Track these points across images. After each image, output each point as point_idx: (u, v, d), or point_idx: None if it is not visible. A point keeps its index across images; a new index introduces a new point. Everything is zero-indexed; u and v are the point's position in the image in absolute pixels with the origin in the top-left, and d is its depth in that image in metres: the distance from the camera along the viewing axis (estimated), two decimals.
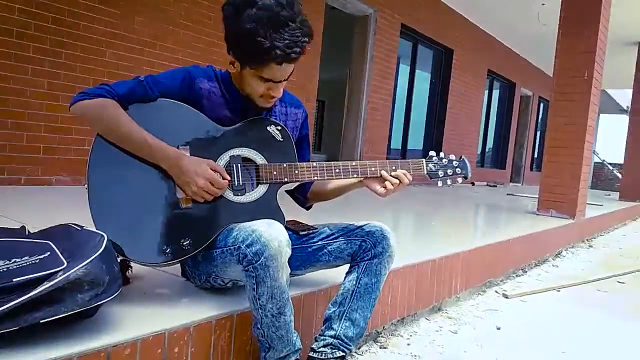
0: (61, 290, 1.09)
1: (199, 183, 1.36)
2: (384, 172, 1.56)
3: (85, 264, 1.13)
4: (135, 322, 1.24)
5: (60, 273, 1.11)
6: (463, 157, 1.68)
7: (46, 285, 1.07)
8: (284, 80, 1.43)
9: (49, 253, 1.23)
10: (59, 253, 1.22)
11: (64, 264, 1.15)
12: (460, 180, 1.66)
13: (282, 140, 1.53)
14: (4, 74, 3.56)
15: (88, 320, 1.20)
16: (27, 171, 3.76)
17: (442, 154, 1.65)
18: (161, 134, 1.38)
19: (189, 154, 1.41)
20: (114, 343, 1.13)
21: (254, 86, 1.43)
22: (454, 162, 1.64)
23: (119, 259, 1.29)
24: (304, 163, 1.54)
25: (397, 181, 1.55)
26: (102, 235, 1.25)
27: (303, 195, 1.74)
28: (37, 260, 1.18)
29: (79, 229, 1.36)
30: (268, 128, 1.52)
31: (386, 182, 1.55)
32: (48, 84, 3.80)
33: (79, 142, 3.99)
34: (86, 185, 1.34)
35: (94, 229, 1.30)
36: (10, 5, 3.53)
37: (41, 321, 1.06)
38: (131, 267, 1.58)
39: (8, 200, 3.11)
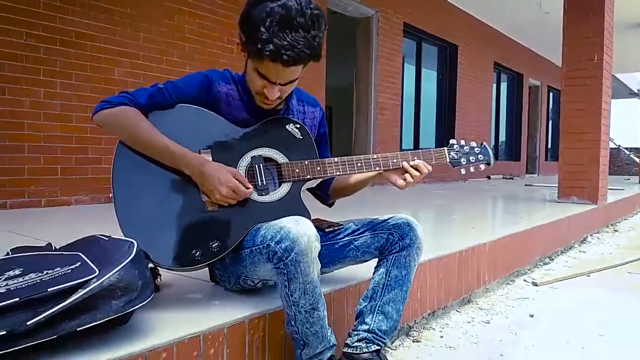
0: (95, 298, 1.09)
1: (223, 192, 1.35)
2: (405, 163, 1.54)
3: (118, 270, 1.13)
4: (169, 326, 1.23)
5: (93, 280, 1.10)
6: (484, 143, 1.65)
7: (80, 293, 1.07)
8: (280, 84, 1.39)
9: (79, 263, 1.23)
10: (89, 262, 1.22)
11: (95, 272, 1.15)
12: (483, 167, 1.62)
13: (301, 137, 1.52)
14: (17, 98, 3.61)
15: (122, 327, 1.19)
16: (47, 193, 3.80)
17: (462, 142, 1.62)
18: (182, 139, 1.38)
19: (210, 158, 1.41)
20: (150, 348, 1.12)
21: (252, 79, 1.41)
22: (476, 149, 1.61)
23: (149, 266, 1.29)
24: (325, 159, 1.52)
25: (418, 173, 1.53)
26: (132, 242, 1.24)
27: (324, 192, 1.73)
28: (70, 271, 1.18)
29: (107, 238, 1.36)
30: (287, 127, 1.52)
31: (406, 174, 1.53)
32: (60, 106, 3.84)
33: (95, 161, 4.03)
34: (111, 194, 1.34)
35: (121, 237, 1.30)
36: (18, 30, 3.59)
37: (77, 329, 1.06)
38: (160, 275, 1.58)
39: (31, 221, 3.14)
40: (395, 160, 1.55)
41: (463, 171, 1.61)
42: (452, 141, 1.62)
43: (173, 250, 1.35)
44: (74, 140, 3.92)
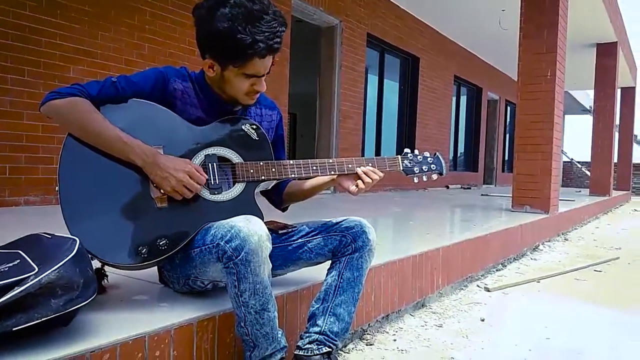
0: (33, 296, 1.04)
1: (179, 176, 1.32)
2: (359, 170, 1.55)
3: (57, 268, 1.09)
4: (113, 327, 1.20)
5: (31, 278, 1.06)
6: (437, 153, 1.69)
7: (17, 290, 1.03)
8: (267, 73, 1.42)
9: (18, 261, 1.18)
10: (29, 260, 1.17)
11: (34, 269, 1.10)
12: (435, 176, 1.66)
13: (257, 139, 1.51)
14: None
15: (64, 328, 1.15)
16: None
17: (416, 151, 1.66)
18: (135, 134, 1.35)
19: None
20: (92, 349, 1.08)
21: (239, 84, 1.42)
22: (429, 159, 1.65)
23: (94, 268, 1.25)
24: (281, 161, 1.52)
25: (369, 179, 1.54)
26: (74, 239, 1.20)
27: (278, 196, 1.72)
28: (7, 269, 1.13)
29: (49, 236, 1.31)
30: (243, 127, 1.50)
31: (358, 181, 1.55)
32: (11, 103, 3.69)
33: (46, 161, 3.88)
34: (57, 187, 1.30)
35: (65, 235, 1.26)
36: None
37: (14, 329, 1.01)
38: (106, 276, 1.53)
39: None
40: (350, 166, 1.57)
41: (416, 179, 1.65)
42: (406, 150, 1.66)
43: (119, 247, 1.31)
44: (24, 138, 3.77)
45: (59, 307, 1.07)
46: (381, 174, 1.57)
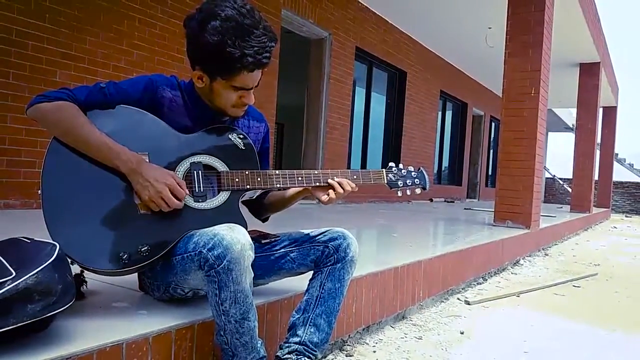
0: (9, 301, 1.03)
1: (158, 187, 1.32)
2: (332, 180, 1.56)
3: (36, 273, 1.08)
4: (91, 334, 1.18)
5: (8, 282, 1.05)
6: (421, 168, 1.73)
7: None
8: (255, 86, 1.44)
9: None
10: (6, 264, 1.16)
11: (12, 273, 1.09)
12: (418, 190, 1.69)
13: (244, 148, 1.52)
14: None
15: (42, 333, 1.14)
16: None
17: (400, 165, 1.69)
18: (121, 141, 1.35)
19: (148, 161, 1.38)
20: (68, 355, 1.07)
21: (226, 97, 1.43)
22: (413, 173, 1.69)
23: (73, 274, 1.24)
24: (267, 171, 1.53)
25: (342, 190, 1.56)
26: (54, 244, 1.20)
27: (259, 205, 1.72)
28: None
29: (29, 241, 1.30)
30: (230, 136, 1.51)
31: (330, 190, 1.56)
32: None
33: (29, 164, 3.84)
34: (39, 190, 1.29)
35: (45, 240, 1.25)
36: None
37: None
38: (86, 282, 1.52)
39: None
40: (336, 178, 1.58)
41: (400, 193, 1.68)
42: (390, 164, 1.70)
43: (100, 251, 1.30)
44: (7, 141, 3.73)
45: (35, 312, 1.06)
46: (354, 186, 1.59)
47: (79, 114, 1.33)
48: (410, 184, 1.67)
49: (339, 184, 1.55)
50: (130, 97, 1.41)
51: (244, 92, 1.43)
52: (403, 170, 1.68)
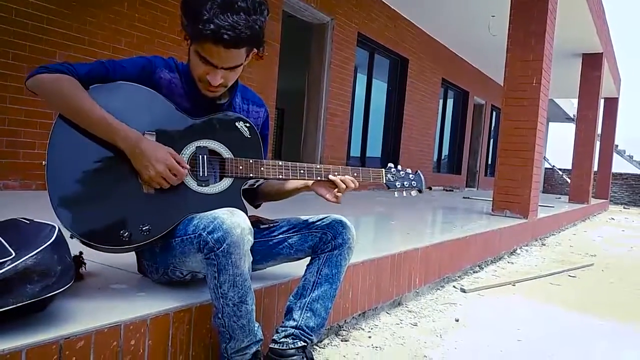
0: (9, 281, 1.04)
1: (159, 168, 1.32)
2: (336, 177, 1.58)
3: (35, 254, 1.09)
4: (89, 315, 1.20)
5: (7, 263, 1.06)
6: (419, 171, 1.76)
7: None
8: (223, 68, 1.38)
9: None
10: (6, 244, 1.16)
11: (12, 254, 1.10)
12: (414, 193, 1.74)
13: (249, 137, 1.53)
14: None
15: (40, 314, 1.15)
16: None
17: (399, 167, 1.73)
18: (126, 118, 1.34)
19: (154, 140, 1.38)
20: (66, 335, 1.08)
21: (195, 65, 1.40)
22: (410, 175, 1.72)
23: (72, 256, 1.25)
24: (270, 161, 1.54)
25: (344, 186, 1.58)
26: (53, 226, 1.21)
27: (253, 192, 1.73)
28: None
29: (28, 222, 1.30)
30: (237, 124, 1.52)
31: (336, 191, 1.58)
32: None
33: (28, 145, 3.83)
34: (45, 163, 1.29)
35: (45, 221, 1.25)
36: None
37: None
38: (85, 264, 1.53)
39: None
40: (336, 173, 1.60)
41: (396, 194, 1.72)
42: (390, 165, 1.74)
43: (101, 227, 1.31)
44: (6, 122, 3.71)
45: (34, 292, 1.07)
46: (357, 184, 1.62)
47: (78, 88, 1.32)
48: (407, 185, 1.71)
49: (343, 181, 1.57)
50: (129, 75, 1.40)
51: (210, 67, 1.37)
52: (401, 172, 1.72)
